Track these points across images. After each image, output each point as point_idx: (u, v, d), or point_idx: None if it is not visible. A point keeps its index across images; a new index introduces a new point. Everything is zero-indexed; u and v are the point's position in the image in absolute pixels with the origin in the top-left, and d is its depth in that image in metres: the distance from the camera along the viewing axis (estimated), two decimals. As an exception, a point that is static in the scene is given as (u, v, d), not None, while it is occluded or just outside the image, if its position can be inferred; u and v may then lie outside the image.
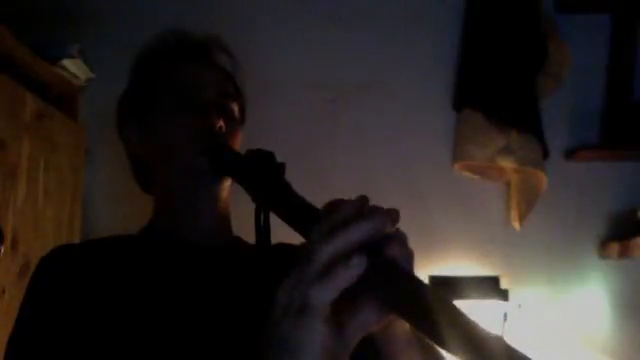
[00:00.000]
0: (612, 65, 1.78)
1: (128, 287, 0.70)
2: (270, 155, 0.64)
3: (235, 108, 0.84)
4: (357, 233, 0.44)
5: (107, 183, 1.74)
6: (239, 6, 1.81)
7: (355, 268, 0.43)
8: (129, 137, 0.85)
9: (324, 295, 0.43)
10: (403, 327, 0.55)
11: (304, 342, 0.43)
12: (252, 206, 0.62)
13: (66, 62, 1.62)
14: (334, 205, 0.51)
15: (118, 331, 0.65)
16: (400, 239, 0.48)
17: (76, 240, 1.62)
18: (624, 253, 1.64)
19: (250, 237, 0.85)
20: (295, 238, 0.56)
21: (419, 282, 0.44)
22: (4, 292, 1.27)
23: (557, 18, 1.76)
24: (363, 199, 0.49)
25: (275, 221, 0.60)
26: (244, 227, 0.83)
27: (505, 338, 0.40)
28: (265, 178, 0.61)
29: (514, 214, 1.71)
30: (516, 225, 1.71)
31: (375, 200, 0.51)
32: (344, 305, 0.45)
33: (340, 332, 0.44)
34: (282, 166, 0.63)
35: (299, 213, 0.55)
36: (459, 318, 0.40)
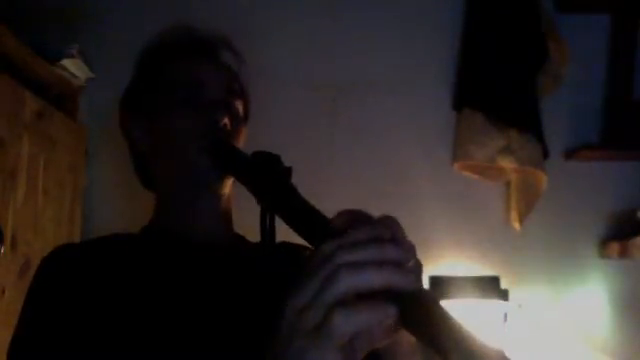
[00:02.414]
0: (612, 65, 1.78)
1: (130, 286, 0.70)
2: (277, 158, 0.64)
3: (240, 106, 0.84)
4: (383, 272, 0.41)
5: (107, 183, 1.74)
6: (238, 5, 1.80)
7: (388, 318, 0.41)
8: (132, 132, 0.85)
9: (348, 326, 0.40)
10: (407, 337, 0.54)
11: None
12: (254, 205, 0.62)
13: (66, 62, 1.61)
14: (349, 217, 0.48)
15: (120, 330, 0.65)
16: (409, 250, 0.48)
17: (76, 240, 1.62)
18: (624, 253, 1.64)
19: (252, 235, 0.85)
20: (299, 239, 0.55)
21: (428, 295, 0.43)
22: (4, 292, 1.26)
23: (557, 18, 1.76)
24: (388, 224, 0.47)
25: (280, 222, 0.59)
26: (247, 225, 0.83)
27: (505, 348, 0.40)
28: (272, 181, 0.61)
29: (514, 214, 1.71)
30: (516, 225, 1.70)
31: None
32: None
33: (348, 348, 0.42)
34: (289, 170, 0.62)
35: (306, 219, 0.54)
36: (460, 331, 0.40)
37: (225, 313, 0.71)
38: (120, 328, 0.65)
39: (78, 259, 0.73)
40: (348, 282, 0.41)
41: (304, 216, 0.55)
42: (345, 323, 0.40)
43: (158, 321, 0.67)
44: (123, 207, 1.66)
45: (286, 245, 0.79)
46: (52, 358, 0.64)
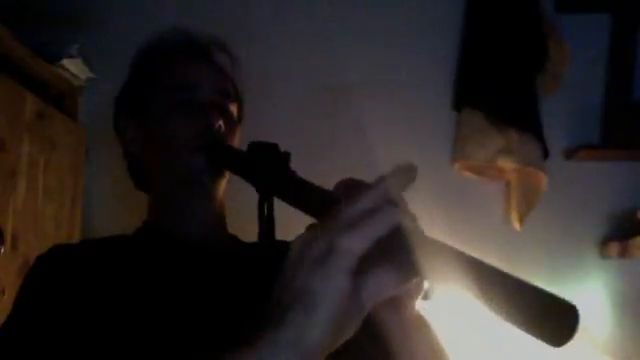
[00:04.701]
0: (612, 65, 1.78)
1: (123, 286, 0.70)
2: (274, 146, 0.65)
3: (234, 109, 0.85)
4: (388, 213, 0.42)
5: (107, 183, 1.74)
6: (238, 5, 1.81)
7: (389, 215, 0.41)
8: (125, 132, 0.86)
9: (355, 243, 0.40)
10: (412, 310, 0.55)
11: (322, 292, 0.40)
12: (250, 206, 0.62)
13: (66, 62, 1.62)
14: (350, 184, 0.50)
15: (111, 329, 0.65)
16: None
17: (76, 240, 1.62)
18: (624, 253, 1.64)
19: (247, 236, 0.85)
20: (295, 231, 0.56)
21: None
22: (4, 292, 1.27)
23: (557, 18, 1.76)
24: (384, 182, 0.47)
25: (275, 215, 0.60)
26: (242, 227, 0.84)
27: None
28: (272, 166, 0.62)
29: (514, 214, 1.71)
30: (516, 225, 1.70)
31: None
32: (361, 267, 0.42)
33: (356, 293, 0.41)
34: (287, 155, 0.63)
35: (308, 194, 0.55)
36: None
37: (219, 312, 0.71)
38: (111, 327, 0.65)
39: (72, 259, 0.73)
40: (358, 206, 0.42)
41: (306, 191, 0.56)
42: (351, 238, 0.40)
43: (150, 320, 0.67)
44: (123, 207, 1.66)
45: (281, 243, 0.80)
46: (38, 354, 0.64)
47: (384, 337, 0.56)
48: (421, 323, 0.59)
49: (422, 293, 0.54)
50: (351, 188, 0.49)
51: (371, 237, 0.41)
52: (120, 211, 1.68)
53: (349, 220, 0.41)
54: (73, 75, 1.67)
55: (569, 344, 0.36)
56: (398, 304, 0.55)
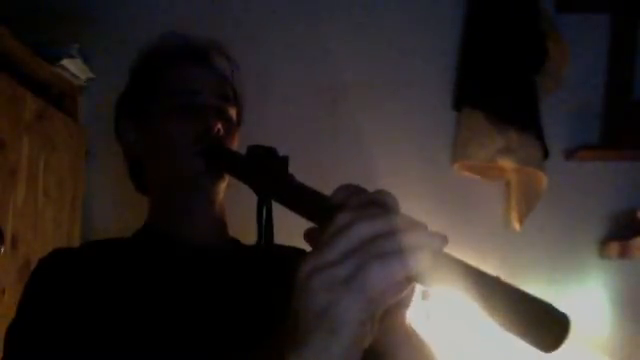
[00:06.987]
0: (612, 65, 1.78)
1: (125, 289, 0.70)
2: (273, 149, 0.65)
3: (233, 112, 0.85)
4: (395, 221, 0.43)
5: (107, 183, 1.74)
6: (238, 6, 1.81)
7: (423, 257, 0.41)
8: (126, 136, 0.86)
9: (387, 275, 0.39)
10: (402, 319, 0.55)
11: (346, 317, 0.40)
12: (251, 209, 0.62)
13: (66, 62, 1.62)
14: (348, 191, 0.49)
15: (114, 332, 0.65)
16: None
17: (76, 240, 1.62)
18: (624, 253, 1.64)
19: (249, 239, 0.85)
20: (294, 235, 0.56)
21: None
22: (4, 292, 1.27)
23: (557, 18, 1.76)
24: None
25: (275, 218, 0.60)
26: (243, 230, 0.84)
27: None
28: (270, 170, 0.62)
29: (514, 214, 1.71)
30: (516, 225, 1.70)
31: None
32: None
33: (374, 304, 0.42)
34: (285, 159, 0.63)
35: (307, 198, 0.55)
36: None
37: (219, 315, 0.71)
38: (112, 330, 0.65)
39: (74, 262, 0.73)
40: (376, 226, 0.42)
41: (305, 195, 0.55)
42: (380, 275, 0.39)
43: (151, 323, 0.67)
44: (123, 207, 1.66)
45: (280, 247, 0.80)
46: (43, 356, 0.64)
47: (374, 345, 0.56)
48: (411, 332, 0.59)
49: (421, 294, 0.54)
50: (351, 194, 0.48)
51: (403, 274, 0.40)
52: (120, 211, 1.68)
53: (382, 247, 0.41)
54: (73, 75, 1.67)
55: (560, 349, 0.37)
56: (389, 312, 0.54)
